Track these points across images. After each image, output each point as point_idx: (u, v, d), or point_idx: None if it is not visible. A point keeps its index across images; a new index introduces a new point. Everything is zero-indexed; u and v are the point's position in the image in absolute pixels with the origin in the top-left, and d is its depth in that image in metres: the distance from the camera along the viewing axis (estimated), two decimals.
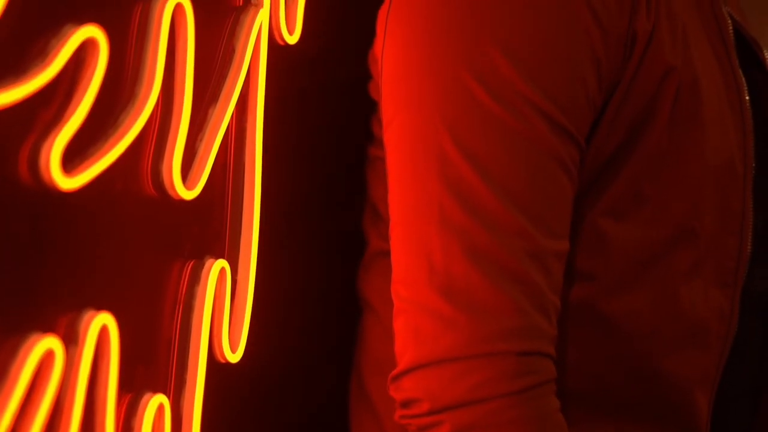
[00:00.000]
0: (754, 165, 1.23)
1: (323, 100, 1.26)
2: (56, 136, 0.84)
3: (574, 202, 1.13)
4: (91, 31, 0.86)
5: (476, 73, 1.08)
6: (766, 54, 1.37)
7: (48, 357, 0.83)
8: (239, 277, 1.09)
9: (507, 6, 1.10)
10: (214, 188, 1.05)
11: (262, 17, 1.09)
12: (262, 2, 1.10)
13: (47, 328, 0.85)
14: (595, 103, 1.12)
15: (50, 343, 0.84)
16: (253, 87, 1.10)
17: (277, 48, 1.13)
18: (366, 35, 1.22)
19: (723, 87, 1.22)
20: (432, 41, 1.11)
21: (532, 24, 1.10)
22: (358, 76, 1.24)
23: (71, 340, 0.88)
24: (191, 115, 1.00)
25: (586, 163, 1.14)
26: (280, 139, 1.16)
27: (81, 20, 0.86)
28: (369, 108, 1.23)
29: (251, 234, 1.09)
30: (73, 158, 0.86)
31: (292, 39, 1.14)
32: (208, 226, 1.07)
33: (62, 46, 0.84)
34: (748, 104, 1.24)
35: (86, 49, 0.86)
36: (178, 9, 0.97)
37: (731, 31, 1.26)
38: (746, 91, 1.25)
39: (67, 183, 0.85)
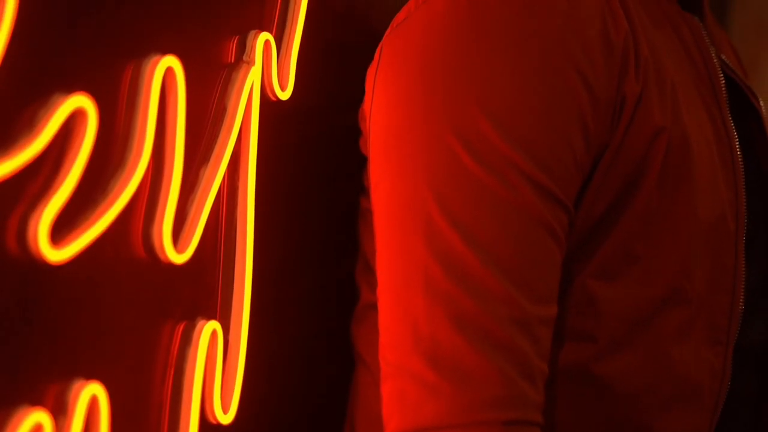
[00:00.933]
0: (746, 220, 1.21)
1: (315, 154, 1.26)
2: (44, 208, 0.83)
3: (563, 264, 1.12)
4: (79, 101, 0.85)
5: (462, 137, 1.08)
6: (761, 102, 1.37)
7: (37, 431, 0.83)
8: (231, 338, 1.08)
9: (494, 70, 1.09)
10: (205, 249, 1.04)
11: (254, 75, 1.09)
12: (254, 59, 1.09)
13: (36, 401, 0.85)
14: (583, 167, 1.12)
15: (39, 416, 0.83)
16: (245, 145, 1.09)
17: (269, 104, 1.13)
18: (358, 90, 1.22)
19: (714, 142, 1.21)
20: (418, 104, 1.11)
21: (519, 89, 1.09)
22: (349, 130, 1.23)
23: (60, 412, 0.87)
24: (182, 176, 0.99)
25: (575, 226, 1.13)
26: (272, 196, 1.15)
27: (70, 88, 0.86)
28: (360, 160, 1.22)
29: (243, 294, 1.08)
30: (61, 229, 0.85)
31: (285, 95, 1.14)
32: (199, 288, 1.06)
33: (50, 117, 0.83)
34: (740, 159, 1.23)
35: (75, 119, 0.85)
36: (169, 72, 0.96)
37: (723, 84, 1.25)
38: (738, 146, 1.24)
39: (56, 255, 0.84)
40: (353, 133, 1.23)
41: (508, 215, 1.07)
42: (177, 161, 0.98)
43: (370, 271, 1.22)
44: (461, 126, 1.08)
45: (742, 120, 1.32)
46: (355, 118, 1.23)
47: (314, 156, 1.26)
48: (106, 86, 0.92)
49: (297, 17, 1.15)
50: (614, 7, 1.15)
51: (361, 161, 1.22)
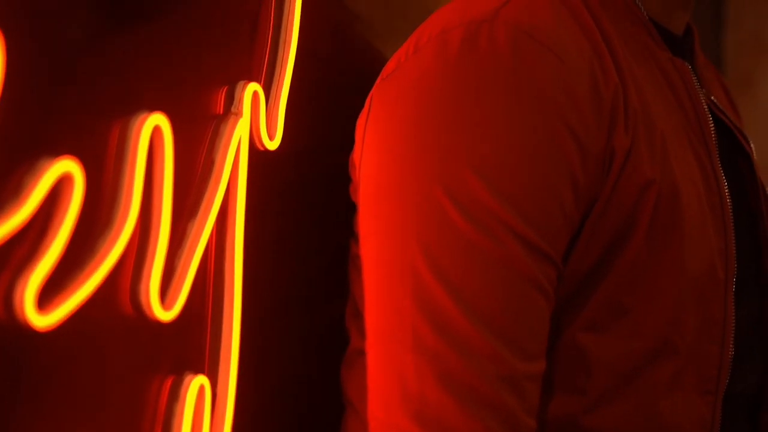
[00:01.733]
0: (736, 268, 1.21)
1: (304, 200, 1.26)
2: (30, 274, 0.83)
3: (552, 317, 1.12)
4: (66, 165, 0.85)
5: (451, 193, 1.08)
6: (752, 145, 1.37)
7: None
8: (219, 392, 1.08)
9: (482, 125, 1.09)
10: (193, 303, 1.04)
11: (242, 127, 1.09)
12: (242, 111, 1.09)
13: None
14: (572, 221, 1.12)
15: None
16: (233, 197, 1.09)
17: (257, 153, 1.13)
18: (347, 132, 1.22)
19: (704, 190, 1.21)
20: (407, 159, 1.11)
21: (507, 144, 1.09)
22: (338, 173, 1.23)
23: None
24: (170, 232, 0.99)
25: (564, 279, 1.13)
26: (261, 246, 1.15)
27: (56, 151, 0.86)
28: (350, 204, 1.22)
29: (230, 347, 1.08)
30: (49, 293, 0.85)
31: (273, 145, 1.14)
32: (187, 342, 1.06)
33: (36, 183, 0.83)
34: (729, 206, 1.23)
35: (61, 184, 0.85)
36: (156, 130, 0.96)
37: (712, 130, 1.25)
38: (728, 192, 1.24)
39: (42, 321, 0.84)
40: (343, 177, 1.23)
41: (496, 272, 1.07)
42: (164, 218, 0.98)
43: (360, 316, 1.22)
44: (450, 182, 1.08)
45: (733, 161, 1.33)
46: (344, 160, 1.23)
47: (303, 202, 1.26)
48: (93, 147, 0.92)
49: (285, 66, 1.15)
50: (604, 58, 1.15)
51: (351, 205, 1.22)
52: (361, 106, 1.20)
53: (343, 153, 1.23)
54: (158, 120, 0.96)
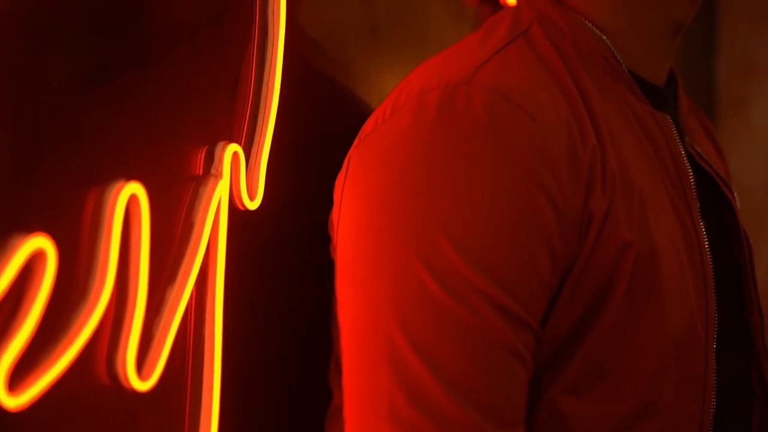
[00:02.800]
0: (716, 324, 1.20)
1: (285, 260, 1.25)
2: (1, 355, 0.82)
3: (532, 381, 1.11)
4: (38, 242, 0.84)
5: (426, 261, 1.06)
6: (735, 194, 1.36)
7: None
8: None
9: (458, 193, 1.08)
10: (172, 371, 1.03)
11: (222, 188, 1.07)
12: (221, 173, 1.08)
13: None
14: (550, 286, 1.10)
15: None
16: (212, 259, 1.08)
17: (236, 213, 1.11)
18: (328, 187, 1.21)
19: (684, 248, 1.20)
20: (382, 226, 1.10)
21: (484, 212, 1.08)
22: (319, 230, 1.22)
23: None
24: (148, 299, 0.98)
25: (543, 342, 1.12)
26: (241, 308, 1.14)
27: (29, 228, 0.85)
28: (331, 263, 1.21)
29: (210, 414, 1.07)
30: (21, 372, 0.84)
31: (253, 205, 1.12)
32: (166, 412, 1.05)
33: (7, 262, 0.82)
34: (710, 264, 1.21)
35: (34, 261, 0.84)
36: (132, 199, 0.95)
37: (693, 186, 1.24)
38: (708, 251, 1.22)
39: (14, 402, 0.83)
40: (324, 233, 1.22)
41: (472, 341, 1.06)
42: (141, 286, 0.96)
43: (341, 373, 1.21)
44: (426, 250, 1.07)
45: (717, 211, 1.32)
46: (325, 216, 1.22)
47: (284, 259, 1.24)
48: (67, 217, 0.91)
49: (266, 125, 1.14)
50: (582, 118, 1.14)
51: (331, 261, 1.21)
52: (345, 157, 1.19)
53: (326, 209, 1.22)
54: (134, 189, 0.95)
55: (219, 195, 1.07)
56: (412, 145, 1.11)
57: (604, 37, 1.24)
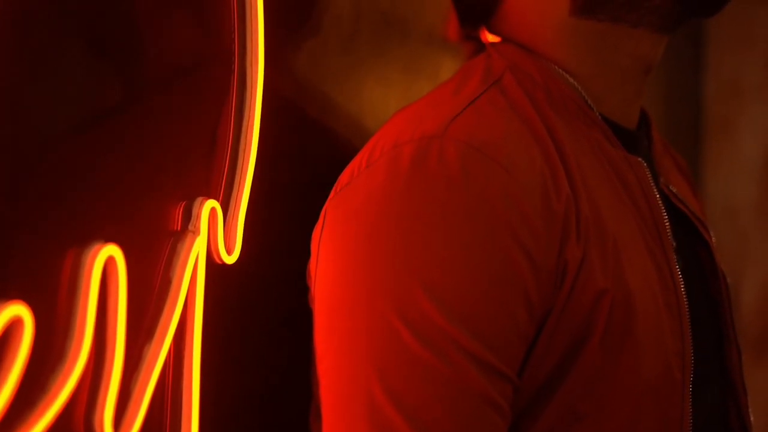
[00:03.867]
0: (692, 369, 1.22)
1: (263, 312, 1.26)
2: None
3: (510, 427, 1.12)
4: (15, 310, 0.86)
5: (403, 315, 1.08)
6: (711, 233, 1.37)
7: None
8: None
9: (433, 246, 1.10)
10: (151, 427, 1.05)
11: (200, 244, 1.09)
12: (199, 229, 1.09)
13: None
14: (527, 336, 1.12)
15: None
16: (190, 314, 1.09)
17: (214, 267, 1.13)
18: (306, 246, 1.22)
19: (660, 291, 1.22)
20: (359, 280, 1.11)
21: (459, 265, 1.09)
22: (297, 286, 1.24)
23: None
24: (125, 356, 0.99)
25: (520, 390, 1.14)
26: (218, 361, 1.15)
27: (6, 295, 0.86)
28: (309, 314, 1.22)
29: None
30: None
31: (231, 259, 1.14)
32: None
33: None
34: (686, 306, 1.23)
35: (11, 329, 0.86)
36: (109, 261, 0.97)
37: (668, 229, 1.25)
38: (684, 294, 1.24)
39: None
40: (301, 283, 1.23)
41: (450, 393, 1.08)
42: (119, 346, 0.98)
43: (321, 419, 1.23)
44: (403, 303, 1.09)
45: (693, 250, 1.33)
46: (303, 266, 1.23)
47: (261, 311, 1.26)
48: (44, 283, 0.92)
49: (245, 179, 1.15)
50: (555, 167, 1.16)
51: (310, 311, 1.23)
52: (326, 200, 1.21)
53: (304, 258, 1.23)
54: (111, 251, 0.97)
55: (197, 251, 1.09)
56: (387, 198, 1.12)
57: (576, 83, 1.25)
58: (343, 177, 1.19)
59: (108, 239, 0.98)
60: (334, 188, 1.20)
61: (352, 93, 1.45)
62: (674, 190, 1.33)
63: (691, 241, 1.34)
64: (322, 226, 1.18)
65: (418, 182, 1.11)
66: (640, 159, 1.27)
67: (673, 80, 2.85)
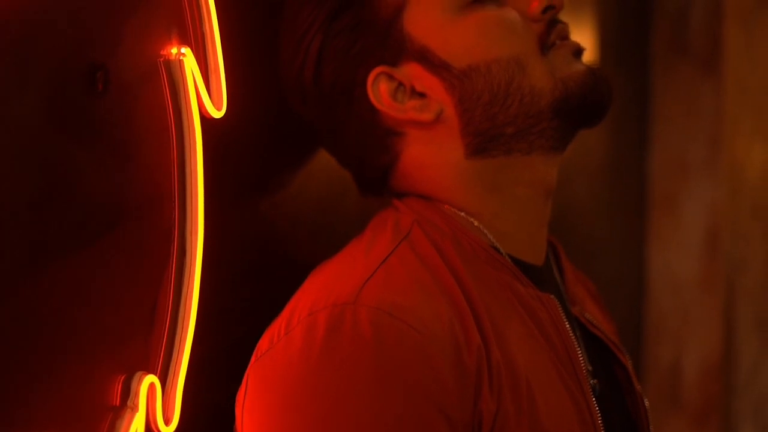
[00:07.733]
0: None
1: None
2: None
3: None
4: None
5: None
6: (627, 357, 1.42)
7: None
8: None
9: (349, 417, 1.15)
10: None
11: (138, 420, 1.12)
12: (138, 405, 1.13)
13: None
14: None
15: None
16: None
17: None
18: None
19: (578, 425, 1.26)
20: None
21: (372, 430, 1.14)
22: None
23: None
24: None
25: None
26: None
27: None
28: None
29: None
30: None
31: (169, 430, 1.18)
32: None
33: None
34: None
35: None
36: None
37: (583, 363, 1.30)
38: (602, 425, 1.29)
39: None
40: None
41: None
42: None
43: None
44: None
45: (611, 374, 1.39)
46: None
47: None
48: None
49: (182, 353, 1.19)
50: (465, 318, 1.20)
51: None
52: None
53: None
54: None
55: (135, 427, 1.13)
56: (303, 368, 1.17)
57: (481, 226, 1.30)
58: (263, 342, 1.24)
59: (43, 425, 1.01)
60: (255, 353, 1.24)
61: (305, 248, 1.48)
62: (589, 317, 1.38)
63: (607, 364, 1.39)
64: (245, 392, 1.22)
65: (331, 350, 1.16)
66: (551, 295, 1.32)
67: (618, 155, 2.89)
